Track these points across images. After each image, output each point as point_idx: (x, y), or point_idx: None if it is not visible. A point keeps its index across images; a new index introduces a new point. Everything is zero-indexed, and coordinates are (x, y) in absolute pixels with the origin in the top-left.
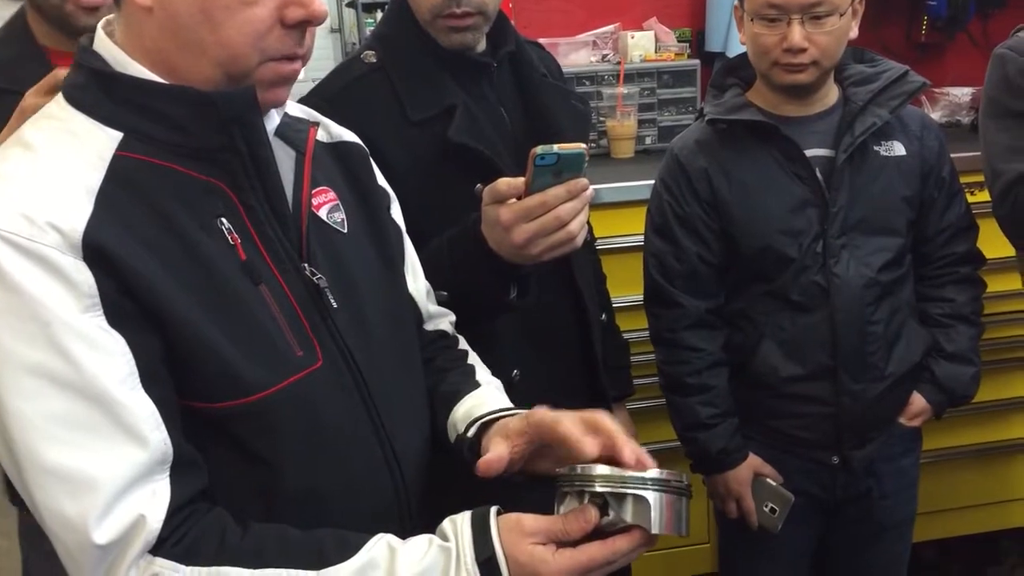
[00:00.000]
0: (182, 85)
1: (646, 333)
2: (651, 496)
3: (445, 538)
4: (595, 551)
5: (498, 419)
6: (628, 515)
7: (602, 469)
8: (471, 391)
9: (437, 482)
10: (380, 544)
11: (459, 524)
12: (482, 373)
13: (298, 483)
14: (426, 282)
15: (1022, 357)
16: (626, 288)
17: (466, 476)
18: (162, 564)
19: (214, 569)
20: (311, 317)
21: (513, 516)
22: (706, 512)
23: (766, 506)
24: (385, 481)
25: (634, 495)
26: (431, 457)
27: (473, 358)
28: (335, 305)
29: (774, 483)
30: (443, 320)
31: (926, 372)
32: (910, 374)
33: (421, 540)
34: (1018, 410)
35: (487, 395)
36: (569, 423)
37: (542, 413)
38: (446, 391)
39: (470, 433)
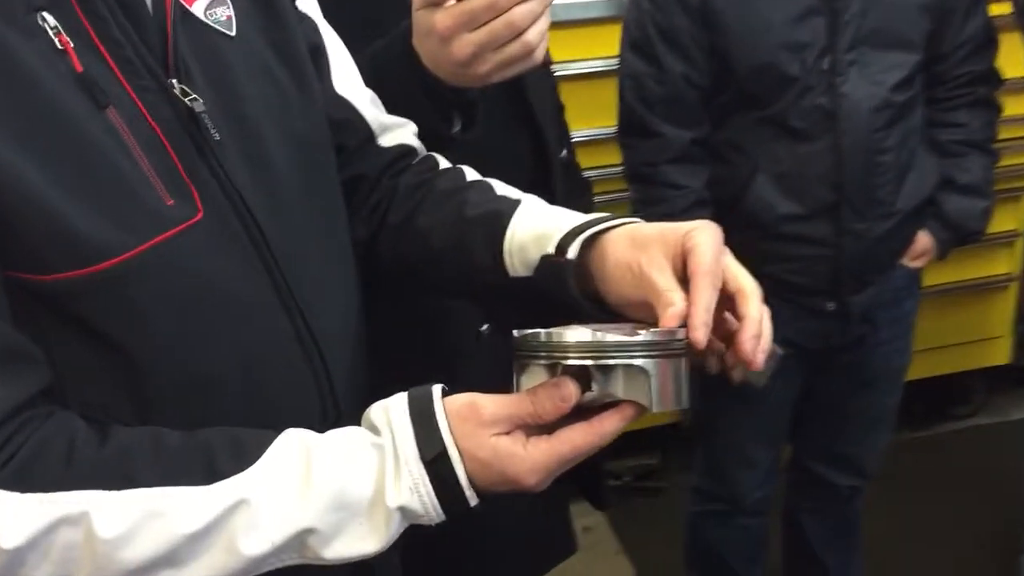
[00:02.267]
0: None
1: (608, 170)
2: (648, 364)
3: (376, 431)
4: (578, 437)
5: (608, 230)
6: (619, 389)
7: (576, 334)
8: (515, 207)
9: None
10: (289, 445)
11: (393, 412)
12: (504, 187)
13: (177, 374)
14: (369, 89)
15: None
16: (585, 120)
17: (534, 316)
18: None
19: (61, 495)
20: (185, 154)
21: (465, 398)
22: None
23: None
24: (298, 362)
25: (625, 365)
26: (361, 330)
27: (475, 173)
28: (217, 137)
29: None
30: (403, 131)
31: (933, 207)
32: (918, 209)
33: (344, 436)
34: (1005, 245)
35: (542, 207)
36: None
37: (704, 242)
38: (479, 214)
39: (571, 253)
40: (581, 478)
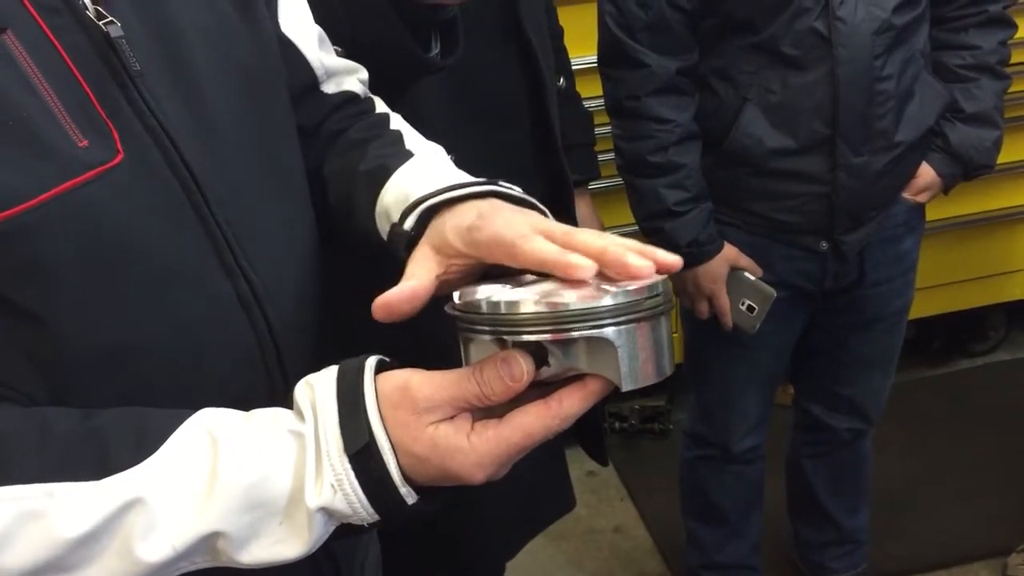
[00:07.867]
0: None
1: None
2: (616, 335)
3: (301, 416)
4: (532, 423)
5: (445, 203)
6: (581, 361)
7: (528, 301)
8: (402, 163)
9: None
10: (195, 431)
11: (319, 391)
12: (413, 139)
13: (94, 344)
14: (317, 27)
15: None
16: (588, 47)
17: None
18: None
19: None
20: (101, 87)
21: (398, 379)
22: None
23: (743, 303)
24: (240, 329)
25: (587, 338)
26: (316, 291)
27: (399, 122)
28: (137, 66)
29: (752, 277)
30: (349, 78)
31: (938, 138)
32: (921, 141)
33: (263, 421)
34: None
35: (425, 166)
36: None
37: (495, 230)
38: (368, 169)
39: (407, 224)
40: (579, 430)
